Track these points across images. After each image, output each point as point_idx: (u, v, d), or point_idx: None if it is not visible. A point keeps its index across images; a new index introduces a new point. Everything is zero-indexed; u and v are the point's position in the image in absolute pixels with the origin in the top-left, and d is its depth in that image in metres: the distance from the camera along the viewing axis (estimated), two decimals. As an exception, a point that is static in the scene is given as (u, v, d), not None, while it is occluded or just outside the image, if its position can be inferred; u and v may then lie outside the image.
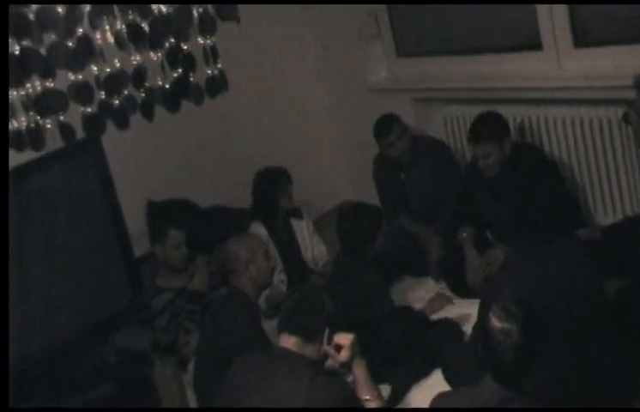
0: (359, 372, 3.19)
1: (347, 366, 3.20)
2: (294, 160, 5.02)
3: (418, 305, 4.21)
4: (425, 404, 3.01)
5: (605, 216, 4.45)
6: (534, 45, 4.51)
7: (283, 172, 4.67)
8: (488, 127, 4.23)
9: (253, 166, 4.76)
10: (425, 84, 5.14)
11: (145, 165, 4.82)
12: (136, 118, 2.39)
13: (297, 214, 4.82)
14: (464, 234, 4.35)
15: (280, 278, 4.56)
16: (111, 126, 2.33)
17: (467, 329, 3.90)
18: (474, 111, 4.74)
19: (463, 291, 4.31)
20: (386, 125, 4.71)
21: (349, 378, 3.28)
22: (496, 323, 2.59)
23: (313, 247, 4.83)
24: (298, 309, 3.13)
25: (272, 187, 4.63)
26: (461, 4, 4.85)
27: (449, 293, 4.35)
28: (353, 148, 5.54)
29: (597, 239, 4.00)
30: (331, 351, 3.17)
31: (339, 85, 5.60)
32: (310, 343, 3.10)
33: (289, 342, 3.09)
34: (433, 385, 3.55)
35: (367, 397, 3.16)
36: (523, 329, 2.56)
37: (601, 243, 3.94)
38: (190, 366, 3.97)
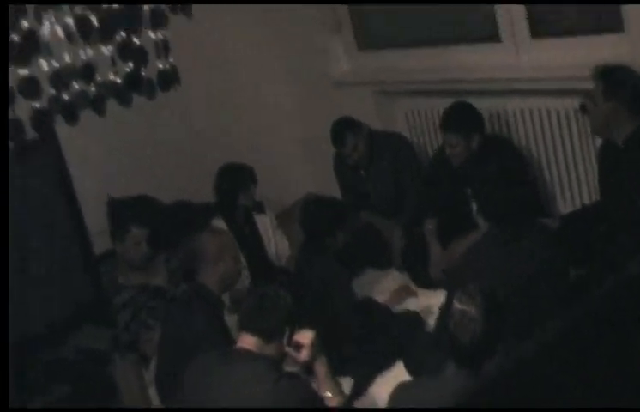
0: (320, 370, 3.17)
1: (308, 364, 3.19)
2: (256, 155, 5.01)
3: (381, 298, 4.22)
4: (387, 395, 3.02)
5: (564, 205, 4.50)
6: (493, 36, 4.55)
7: (247, 169, 4.64)
8: (458, 119, 4.29)
9: (215, 160, 4.74)
10: (387, 77, 5.15)
11: (105, 161, 4.79)
12: (93, 114, 2.38)
13: (259, 208, 4.81)
14: (429, 226, 4.38)
15: (243, 273, 4.54)
16: (68, 124, 2.32)
17: (430, 320, 3.93)
18: (436, 103, 4.79)
19: (426, 282, 4.34)
20: (340, 137, 4.67)
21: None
22: (457, 305, 2.63)
23: (276, 242, 4.82)
24: (258, 308, 3.08)
25: (233, 184, 4.61)
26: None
27: (412, 285, 4.37)
28: (315, 141, 5.53)
29: (557, 227, 4.05)
30: (291, 351, 3.15)
31: (300, 78, 5.59)
32: (271, 342, 3.06)
33: (249, 341, 3.05)
34: (395, 377, 3.56)
35: (328, 394, 3.16)
36: (484, 312, 2.59)
37: (560, 231, 3.98)
38: (152, 364, 3.94)
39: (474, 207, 3.61)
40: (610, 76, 3.70)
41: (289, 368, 3.26)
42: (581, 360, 2.73)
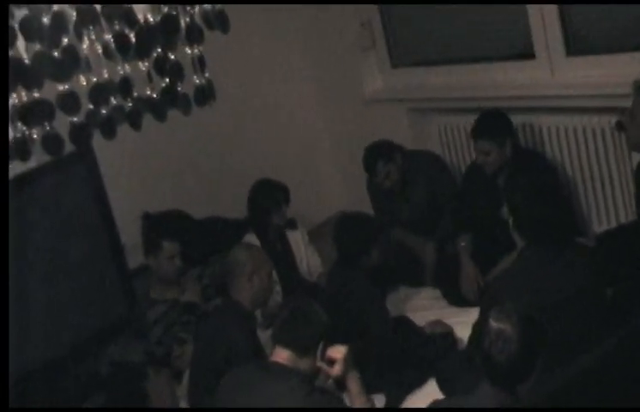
0: (353, 385, 3.16)
1: (340, 379, 3.18)
2: (289, 171, 5.03)
3: (416, 319, 4.18)
4: (420, 414, 3.01)
5: (599, 224, 4.45)
6: (528, 53, 4.53)
7: (281, 187, 4.62)
8: (489, 125, 4.27)
9: (248, 176, 4.76)
10: (420, 94, 5.15)
11: (139, 176, 4.83)
12: (130, 130, 2.40)
13: (292, 225, 4.81)
14: (462, 243, 4.36)
15: (275, 289, 4.55)
16: (105, 138, 2.35)
17: (462, 338, 3.90)
18: (470, 120, 4.75)
19: (458, 300, 4.31)
20: (372, 165, 4.61)
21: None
22: (493, 323, 2.59)
23: (308, 259, 4.83)
24: (292, 322, 3.08)
25: (266, 202, 4.60)
26: (455, 14, 4.87)
27: (445, 307, 4.33)
28: (348, 159, 5.54)
29: (593, 246, 4.00)
30: (324, 366, 3.14)
31: (334, 96, 5.61)
32: (305, 357, 3.05)
33: (283, 355, 3.05)
34: (428, 395, 3.53)
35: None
36: (520, 331, 2.56)
37: (595, 250, 3.93)
38: (185, 378, 3.96)
39: (511, 223, 3.56)
40: None
41: (322, 384, 3.26)
42: (620, 387, 2.70)
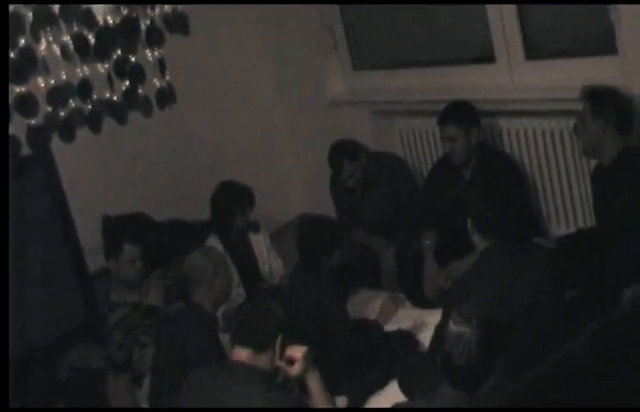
0: (313, 385, 3.18)
1: (299, 378, 3.20)
2: (251, 173, 5.01)
3: (373, 316, 4.21)
4: (382, 416, 3.02)
5: (558, 226, 4.51)
6: (488, 57, 4.57)
7: (245, 190, 4.59)
8: (456, 111, 4.30)
9: (210, 178, 4.73)
10: (382, 97, 5.17)
11: (99, 179, 4.78)
12: (89, 133, 2.37)
13: (254, 227, 4.80)
14: (427, 242, 4.36)
15: (237, 291, 4.53)
16: (64, 141, 2.31)
17: (424, 339, 3.92)
18: (432, 123, 4.80)
19: (420, 300, 4.33)
20: (338, 163, 4.67)
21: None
22: (453, 326, 2.61)
23: (270, 261, 4.81)
24: (249, 321, 3.12)
25: (230, 204, 4.58)
26: (416, 17, 4.90)
27: (407, 309, 4.35)
28: (310, 161, 5.55)
29: (552, 248, 4.05)
30: (283, 365, 3.16)
31: (296, 98, 5.61)
32: (263, 353, 3.08)
33: (242, 354, 3.08)
34: (389, 397, 3.55)
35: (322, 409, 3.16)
36: (480, 333, 2.58)
37: (556, 253, 3.98)
38: (146, 382, 3.93)
39: (469, 224, 3.58)
40: (597, 96, 3.73)
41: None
42: (577, 390, 2.73)
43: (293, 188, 5.81)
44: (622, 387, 2.70)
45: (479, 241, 3.52)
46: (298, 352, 3.16)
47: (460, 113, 4.31)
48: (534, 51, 4.40)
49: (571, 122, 4.04)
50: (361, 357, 3.80)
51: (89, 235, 4.18)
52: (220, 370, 3.16)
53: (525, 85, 4.40)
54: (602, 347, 2.78)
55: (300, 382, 3.27)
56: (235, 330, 3.16)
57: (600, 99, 3.73)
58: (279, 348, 3.13)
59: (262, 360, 3.08)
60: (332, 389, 3.71)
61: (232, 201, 4.57)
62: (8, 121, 2.07)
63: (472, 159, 4.33)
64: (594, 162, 4.02)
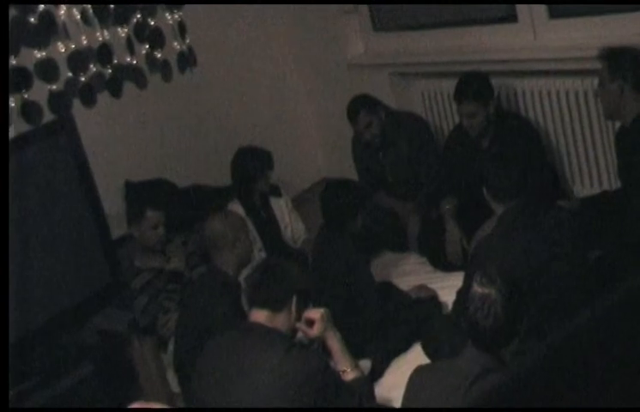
0: (334, 345, 3.19)
1: (319, 339, 3.20)
2: (272, 137, 5.01)
3: (401, 284, 4.19)
4: (405, 378, 3.02)
5: (582, 187, 4.47)
6: (510, 17, 4.51)
7: (264, 153, 4.61)
8: (473, 86, 4.26)
9: (231, 143, 4.73)
10: (402, 59, 5.12)
11: (121, 145, 4.79)
12: (111, 98, 2.37)
13: (276, 192, 4.80)
14: (447, 206, 4.35)
15: (259, 256, 4.54)
16: (85, 106, 2.31)
17: (447, 302, 3.92)
18: (452, 85, 4.73)
19: (443, 264, 4.32)
20: (354, 114, 4.66)
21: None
22: (477, 288, 2.60)
23: (292, 225, 4.82)
24: (264, 281, 3.11)
25: (250, 168, 4.59)
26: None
27: (430, 272, 4.34)
28: (331, 124, 5.52)
29: (575, 210, 4.02)
30: (303, 326, 3.16)
31: (316, 61, 5.57)
32: (280, 312, 3.08)
33: (259, 315, 3.08)
34: (413, 359, 3.55)
35: (344, 369, 3.17)
36: (504, 295, 2.57)
37: (579, 214, 3.95)
38: (170, 346, 3.96)
39: (484, 190, 3.56)
40: (614, 57, 3.68)
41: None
42: (603, 352, 2.71)
43: (314, 152, 5.80)
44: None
45: (496, 207, 3.50)
46: (316, 314, 3.16)
47: (476, 87, 4.25)
48: (556, 9, 4.33)
49: (595, 81, 3.98)
50: (385, 320, 3.80)
51: (112, 201, 4.20)
52: (238, 333, 3.15)
53: (548, 44, 4.34)
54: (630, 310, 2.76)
55: (321, 342, 3.27)
56: (251, 291, 3.15)
57: (617, 59, 3.68)
58: (296, 308, 3.12)
59: (280, 320, 3.08)
60: (355, 352, 3.73)
61: (252, 165, 4.57)
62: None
63: (489, 128, 4.30)
64: (618, 123, 3.97)
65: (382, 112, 4.69)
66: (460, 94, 4.31)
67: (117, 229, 4.28)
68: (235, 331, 3.18)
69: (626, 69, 3.66)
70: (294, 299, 3.10)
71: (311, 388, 2.93)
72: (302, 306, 3.17)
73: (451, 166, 4.49)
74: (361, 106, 4.65)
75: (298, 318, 3.15)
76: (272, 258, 3.40)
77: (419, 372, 2.91)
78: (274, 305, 3.07)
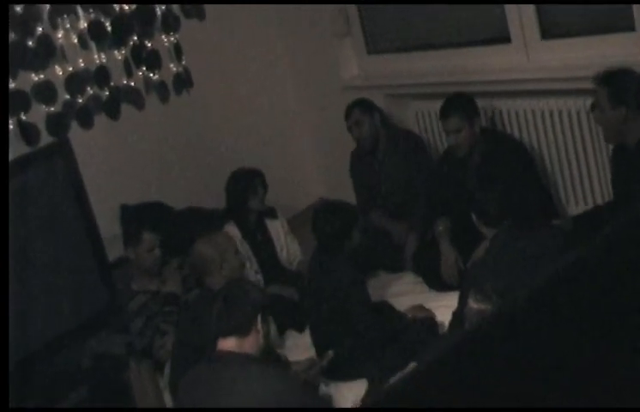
0: None
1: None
2: (268, 160, 5.02)
3: (396, 304, 4.19)
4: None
5: (576, 206, 4.49)
6: (503, 37, 4.55)
7: (257, 174, 4.65)
8: (457, 103, 4.31)
9: (226, 166, 4.75)
10: (396, 80, 5.15)
11: (117, 168, 4.80)
12: (107, 120, 2.38)
13: (271, 214, 4.82)
14: (440, 228, 4.37)
15: (256, 278, 4.55)
16: (80, 129, 2.33)
17: (443, 322, 3.92)
18: (446, 106, 4.77)
19: (439, 284, 4.33)
20: (349, 108, 4.81)
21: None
22: (473, 304, 2.62)
23: (288, 247, 4.83)
24: (226, 310, 3.10)
25: (243, 189, 4.61)
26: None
27: (425, 292, 4.35)
28: (326, 146, 5.55)
29: (569, 229, 4.04)
30: None
31: (310, 83, 5.61)
32: (247, 337, 3.08)
33: (228, 343, 3.08)
34: (409, 379, 3.56)
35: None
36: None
37: (572, 232, 3.97)
38: (167, 369, 3.95)
39: (474, 217, 3.58)
40: (614, 81, 3.68)
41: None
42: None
43: (309, 174, 5.82)
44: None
45: (485, 231, 3.53)
46: None
47: (461, 104, 4.30)
48: (549, 30, 4.37)
49: (588, 101, 4.01)
50: (381, 340, 3.80)
51: (108, 224, 4.20)
52: (209, 364, 3.14)
53: (541, 65, 4.37)
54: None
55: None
56: (214, 322, 3.13)
57: (617, 85, 3.66)
58: (262, 325, 3.12)
59: (249, 343, 3.08)
60: (352, 372, 3.74)
61: (245, 185, 4.61)
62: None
63: (476, 147, 4.32)
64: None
65: (377, 115, 4.78)
66: (444, 111, 4.35)
67: (114, 252, 4.28)
68: (205, 364, 3.17)
69: (628, 93, 3.65)
70: (259, 318, 3.10)
71: (287, 407, 2.94)
72: (267, 321, 3.16)
73: (443, 187, 4.51)
74: (356, 104, 4.80)
75: (267, 334, 3.15)
76: (229, 284, 3.38)
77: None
78: (241, 331, 3.08)
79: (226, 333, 3.08)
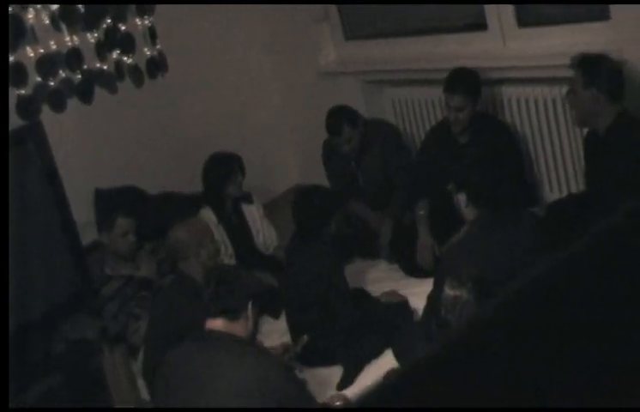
0: None
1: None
2: (244, 144, 4.99)
3: (373, 291, 4.19)
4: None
5: (551, 192, 4.52)
6: (480, 24, 4.55)
7: (235, 158, 4.61)
8: (464, 80, 4.26)
9: (202, 150, 4.72)
10: (373, 66, 5.14)
11: (91, 151, 4.76)
12: (81, 104, 2.35)
13: (247, 198, 4.80)
14: (421, 212, 4.36)
15: (230, 263, 4.53)
16: (54, 111, 2.29)
17: (418, 308, 3.93)
18: (423, 92, 4.79)
19: (414, 270, 4.34)
20: (337, 127, 4.59)
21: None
22: (449, 291, 2.62)
23: (264, 232, 4.81)
24: (219, 293, 3.12)
25: (220, 173, 4.59)
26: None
27: (401, 278, 4.36)
28: (302, 131, 5.53)
29: (542, 215, 4.06)
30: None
31: (288, 68, 5.58)
32: (237, 321, 3.10)
33: (216, 323, 3.09)
34: (385, 365, 3.57)
35: None
36: (475, 297, 2.59)
37: (546, 220, 3.99)
38: (141, 355, 3.93)
39: (460, 197, 3.57)
40: (588, 65, 3.70)
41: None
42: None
43: (286, 159, 5.80)
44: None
45: (468, 213, 3.52)
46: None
47: (467, 83, 4.26)
48: (526, 18, 4.38)
49: (564, 89, 4.03)
50: (357, 326, 3.80)
51: (81, 209, 4.16)
52: (196, 342, 3.16)
53: (517, 52, 4.38)
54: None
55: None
56: (207, 300, 3.15)
57: (591, 68, 3.70)
58: (252, 313, 3.14)
59: (237, 327, 3.10)
60: (329, 358, 3.74)
61: (222, 170, 4.57)
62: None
63: (470, 126, 4.32)
64: (586, 129, 4.01)
65: (361, 123, 4.67)
66: (450, 87, 4.27)
67: (87, 237, 4.25)
68: (192, 341, 3.17)
69: (601, 77, 3.67)
70: (250, 306, 3.13)
71: (270, 392, 2.95)
72: (258, 310, 3.20)
73: (428, 166, 4.47)
74: (344, 119, 4.59)
75: (256, 322, 3.17)
76: (225, 268, 3.40)
77: (391, 375, 2.93)
78: (232, 315, 3.10)
79: (217, 314, 3.09)
